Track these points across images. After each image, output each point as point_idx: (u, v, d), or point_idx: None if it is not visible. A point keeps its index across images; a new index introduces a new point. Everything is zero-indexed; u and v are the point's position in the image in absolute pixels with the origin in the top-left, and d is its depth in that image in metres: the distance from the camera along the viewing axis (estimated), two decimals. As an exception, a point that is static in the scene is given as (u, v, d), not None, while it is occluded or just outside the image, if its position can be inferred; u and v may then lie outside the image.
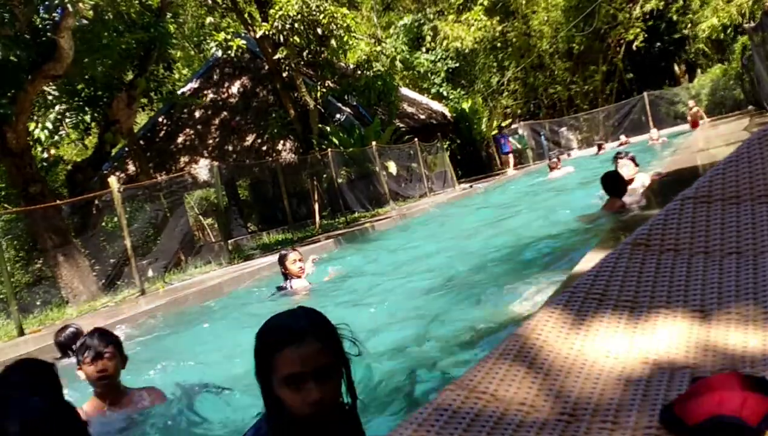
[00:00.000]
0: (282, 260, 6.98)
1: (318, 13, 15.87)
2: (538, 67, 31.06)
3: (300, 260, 6.92)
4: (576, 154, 25.44)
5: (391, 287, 6.79)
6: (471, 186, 20.27)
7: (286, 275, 6.92)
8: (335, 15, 16.02)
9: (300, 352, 1.65)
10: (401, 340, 4.39)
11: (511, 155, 27.36)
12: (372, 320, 5.19)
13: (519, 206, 12.17)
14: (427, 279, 6.61)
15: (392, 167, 18.47)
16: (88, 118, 14.23)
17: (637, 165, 7.13)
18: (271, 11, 16.15)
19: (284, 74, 18.65)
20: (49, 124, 12.40)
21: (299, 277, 6.89)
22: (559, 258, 5.64)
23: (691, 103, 25.57)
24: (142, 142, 19.89)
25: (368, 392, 3.53)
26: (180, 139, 21.31)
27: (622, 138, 25.12)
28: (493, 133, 28.47)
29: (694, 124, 23.20)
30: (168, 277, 11.43)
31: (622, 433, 1.00)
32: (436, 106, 26.86)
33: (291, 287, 6.85)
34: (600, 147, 23.46)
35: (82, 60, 11.51)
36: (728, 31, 22.95)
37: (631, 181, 6.76)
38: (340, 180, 17.31)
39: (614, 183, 6.22)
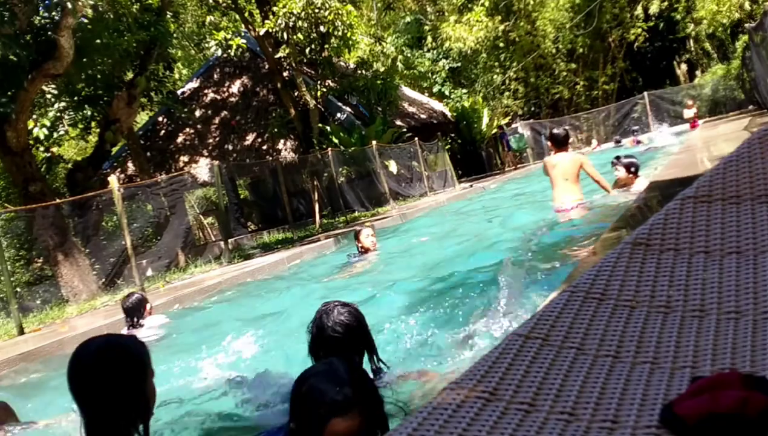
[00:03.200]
0: (357, 235, 7.86)
1: (322, 10, 15.84)
2: (540, 66, 31.02)
3: (373, 236, 7.79)
4: None
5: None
6: (471, 185, 20.25)
7: (360, 249, 7.77)
8: (339, 12, 16.00)
9: (345, 425, 1.76)
10: (408, 330, 4.41)
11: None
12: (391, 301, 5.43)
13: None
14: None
15: (392, 166, 18.45)
16: (87, 114, 14.22)
17: (636, 173, 7.61)
18: (275, 8, 16.13)
19: (285, 73, 18.63)
20: (47, 123, 12.40)
21: (373, 250, 7.71)
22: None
23: (689, 102, 25.59)
24: (142, 141, 19.88)
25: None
26: (180, 139, 21.30)
27: (616, 138, 25.46)
28: (494, 131, 28.43)
29: (693, 124, 23.22)
30: (168, 276, 11.44)
31: (622, 433, 1.00)
32: (437, 105, 26.82)
33: (361, 257, 7.66)
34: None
35: (82, 59, 11.50)
36: (727, 27, 23.01)
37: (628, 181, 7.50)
38: (340, 179, 17.30)
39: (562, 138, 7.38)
